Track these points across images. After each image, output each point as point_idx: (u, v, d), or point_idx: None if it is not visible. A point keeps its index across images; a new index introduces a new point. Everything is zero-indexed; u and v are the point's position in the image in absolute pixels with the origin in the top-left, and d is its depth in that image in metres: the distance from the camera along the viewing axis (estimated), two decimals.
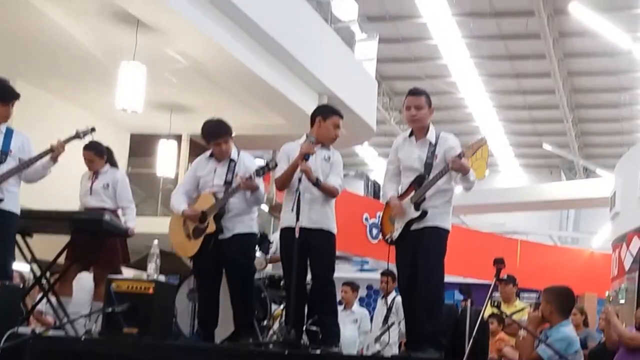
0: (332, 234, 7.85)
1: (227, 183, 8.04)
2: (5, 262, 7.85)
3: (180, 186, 8.43)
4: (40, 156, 7.93)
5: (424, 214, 7.39)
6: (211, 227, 7.94)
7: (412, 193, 7.48)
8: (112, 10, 12.54)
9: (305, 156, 7.60)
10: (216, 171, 8.17)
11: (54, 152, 7.95)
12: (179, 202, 8.21)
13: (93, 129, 8.36)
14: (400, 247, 7.64)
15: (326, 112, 8.08)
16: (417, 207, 7.42)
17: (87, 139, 8.49)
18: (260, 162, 8.23)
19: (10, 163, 7.85)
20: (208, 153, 8.32)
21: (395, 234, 7.60)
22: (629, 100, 28.14)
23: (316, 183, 7.64)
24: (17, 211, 7.92)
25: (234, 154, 8.21)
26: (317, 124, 7.97)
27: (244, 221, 8.13)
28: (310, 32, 16.60)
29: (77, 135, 8.29)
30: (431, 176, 7.40)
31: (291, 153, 7.89)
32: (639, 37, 22.35)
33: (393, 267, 7.91)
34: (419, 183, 7.46)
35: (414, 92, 7.71)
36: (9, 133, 7.95)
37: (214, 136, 8.16)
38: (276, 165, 7.96)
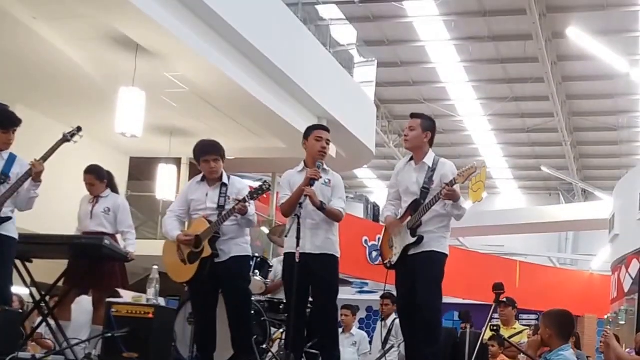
0: (335, 258, 7.86)
1: (220, 207, 8.02)
2: (3, 287, 7.82)
3: (171, 211, 8.38)
4: (23, 179, 7.87)
5: (420, 239, 7.42)
6: (207, 251, 7.92)
7: (409, 218, 7.52)
8: (112, 35, 12.57)
9: (310, 182, 7.63)
10: (208, 195, 8.15)
11: (32, 171, 7.88)
12: (173, 228, 8.20)
13: (79, 129, 8.22)
14: (399, 272, 7.68)
15: (307, 131, 8.15)
16: (413, 232, 7.46)
17: (76, 140, 8.30)
18: (251, 184, 8.23)
19: (7, 187, 7.84)
20: (199, 177, 8.32)
21: (394, 259, 7.63)
22: (627, 123, 28.22)
23: (321, 207, 7.66)
24: (15, 235, 7.89)
25: (225, 177, 8.20)
26: (304, 147, 8.06)
27: (239, 244, 8.12)
28: (309, 56, 16.66)
29: (65, 139, 8.16)
30: (426, 201, 7.43)
31: (291, 179, 7.94)
32: (637, 61, 22.47)
33: (391, 290, 7.94)
34: (415, 208, 7.50)
35: (411, 116, 7.84)
36: (11, 159, 7.93)
37: (203, 153, 8.15)
38: (269, 187, 7.98)
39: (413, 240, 7.43)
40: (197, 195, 8.23)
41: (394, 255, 7.65)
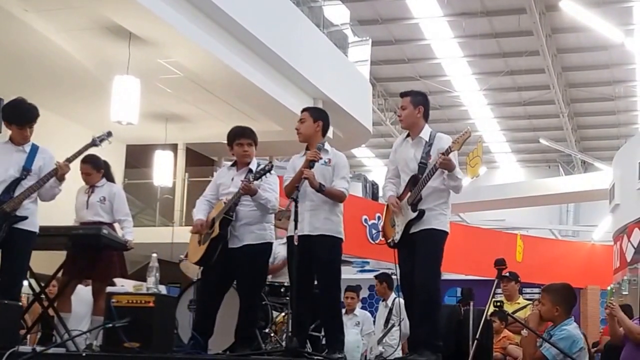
0: (335, 239, 7.78)
1: None
2: (17, 281, 7.81)
3: (203, 195, 8.42)
4: (48, 177, 7.87)
5: (422, 214, 7.38)
6: (215, 232, 7.91)
7: (409, 194, 7.48)
8: (104, 24, 12.55)
9: (310, 163, 7.60)
10: (233, 179, 8.15)
11: (58, 172, 7.89)
12: (198, 210, 8.26)
13: (109, 133, 8.28)
14: (401, 251, 7.65)
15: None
16: (414, 208, 7.42)
17: (105, 145, 8.36)
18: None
19: (30, 181, 7.82)
20: (230, 163, 8.36)
21: (397, 237, 7.60)
22: (624, 93, 28.20)
23: (320, 189, 7.62)
24: (35, 229, 7.86)
25: (253, 163, 8.20)
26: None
27: (253, 231, 8.04)
28: (303, 38, 16.61)
29: (94, 143, 8.20)
30: (424, 175, 7.40)
31: (295, 162, 7.91)
32: (631, 30, 22.42)
33: (392, 269, 7.91)
34: (414, 183, 7.47)
35: (400, 95, 7.84)
36: (33, 151, 7.93)
37: (238, 135, 8.20)
38: (272, 167, 7.93)
39: (414, 215, 7.40)
40: (224, 179, 8.27)
41: (396, 234, 7.61)
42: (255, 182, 7.81)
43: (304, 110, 8.25)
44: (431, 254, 7.41)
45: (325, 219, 7.72)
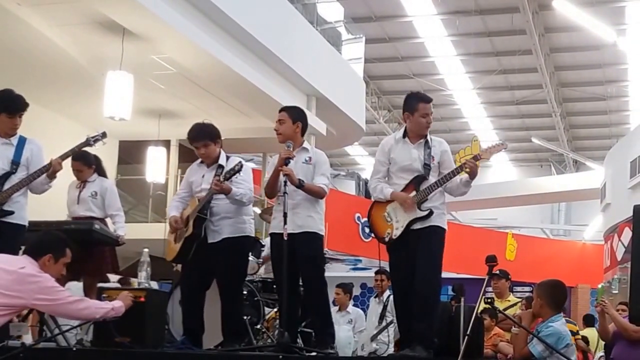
0: (316, 235, 7.77)
1: None
2: None
3: (177, 194, 8.41)
4: (41, 172, 7.85)
5: (431, 213, 7.38)
6: (189, 231, 7.90)
7: (412, 193, 7.46)
8: (98, 19, 12.52)
9: (285, 161, 7.58)
10: (204, 176, 8.12)
11: (50, 170, 7.87)
12: (172, 208, 8.23)
13: (104, 134, 8.26)
14: (399, 247, 7.58)
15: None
16: (419, 206, 7.42)
17: (99, 145, 8.33)
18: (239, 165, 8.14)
19: (20, 173, 7.81)
20: (200, 159, 8.32)
21: (397, 233, 7.54)
22: (616, 92, 28.28)
23: (300, 185, 7.61)
24: (24, 223, 7.84)
25: (222, 159, 8.15)
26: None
27: (233, 224, 8.02)
28: (297, 35, 16.62)
29: (88, 142, 8.18)
30: (430, 177, 7.41)
31: (275, 162, 7.87)
32: (623, 30, 22.47)
33: (385, 265, 7.91)
34: (418, 183, 7.45)
35: (430, 100, 7.70)
36: (20, 143, 7.91)
37: (191, 140, 8.16)
38: (242, 168, 7.88)
39: (424, 213, 7.39)
40: (195, 177, 8.22)
41: (395, 230, 7.57)
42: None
43: (281, 110, 8.10)
44: (436, 250, 7.41)
45: (307, 216, 7.70)
